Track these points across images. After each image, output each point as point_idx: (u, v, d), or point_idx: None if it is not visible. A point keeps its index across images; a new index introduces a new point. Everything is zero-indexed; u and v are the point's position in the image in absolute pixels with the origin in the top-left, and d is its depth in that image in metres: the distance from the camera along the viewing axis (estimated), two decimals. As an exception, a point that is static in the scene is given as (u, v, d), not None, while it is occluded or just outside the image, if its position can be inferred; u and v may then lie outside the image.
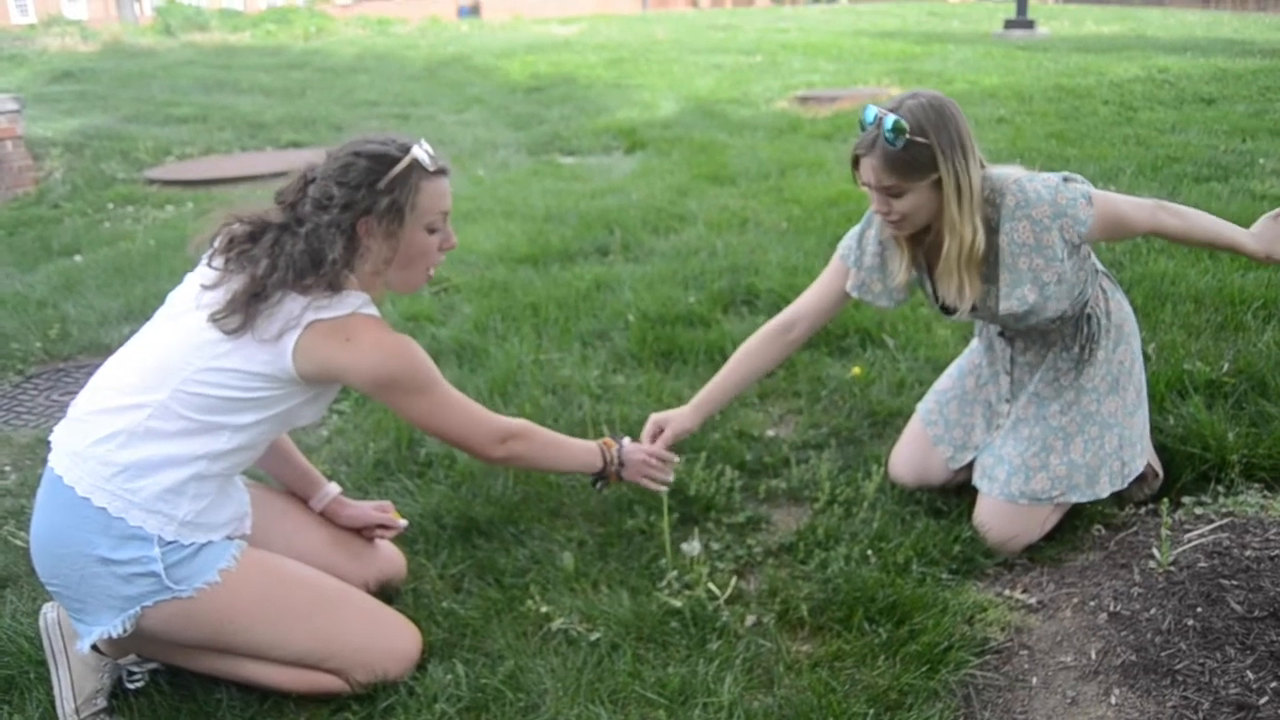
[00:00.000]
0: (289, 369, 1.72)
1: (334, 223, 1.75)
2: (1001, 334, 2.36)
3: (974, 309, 2.19)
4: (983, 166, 2.07)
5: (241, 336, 1.71)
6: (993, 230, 2.07)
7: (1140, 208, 2.12)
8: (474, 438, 1.95)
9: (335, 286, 1.76)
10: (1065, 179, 2.09)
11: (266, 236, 1.78)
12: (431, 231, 1.84)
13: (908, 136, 1.93)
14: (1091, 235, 2.06)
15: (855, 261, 2.28)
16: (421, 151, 1.80)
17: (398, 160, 1.77)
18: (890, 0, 28.65)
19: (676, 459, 2.27)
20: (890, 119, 1.94)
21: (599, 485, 2.23)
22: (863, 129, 2.01)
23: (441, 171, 1.84)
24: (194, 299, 1.77)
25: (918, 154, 1.96)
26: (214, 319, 1.71)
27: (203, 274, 1.80)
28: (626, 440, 2.24)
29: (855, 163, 2.05)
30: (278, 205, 1.83)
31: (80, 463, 1.69)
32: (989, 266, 2.11)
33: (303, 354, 1.72)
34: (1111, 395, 2.24)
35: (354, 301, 1.77)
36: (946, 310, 2.23)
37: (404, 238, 1.80)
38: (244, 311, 1.71)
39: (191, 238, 1.86)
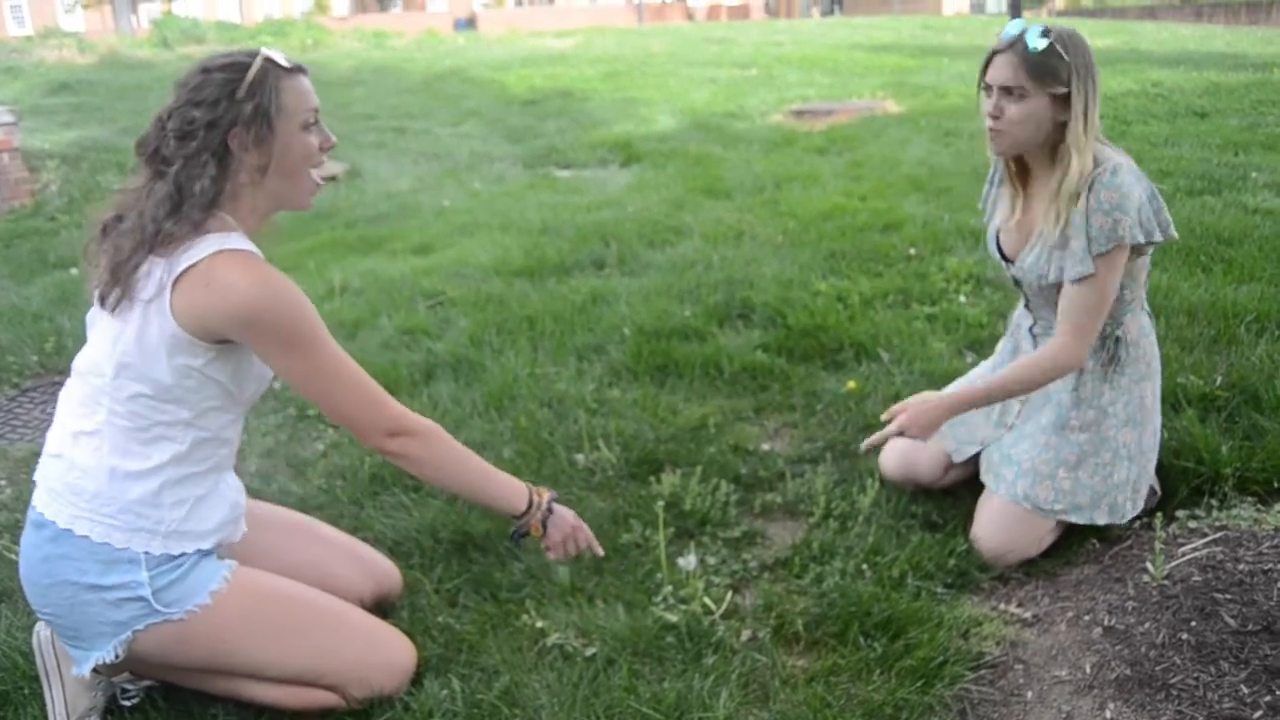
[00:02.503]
0: (180, 334, 1.63)
1: (202, 147, 1.64)
2: (1031, 329, 2.37)
3: (1013, 263, 2.26)
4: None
5: (130, 311, 1.63)
6: (1076, 198, 2.10)
7: (1093, 329, 2.15)
8: (360, 420, 1.74)
9: (199, 227, 1.64)
10: (1152, 193, 2.12)
11: (134, 205, 1.69)
12: (307, 130, 1.73)
13: (1052, 45, 2.02)
14: (1108, 259, 2.07)
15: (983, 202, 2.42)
16: (273, 52, 1.72)
17: (250, 64, 1.67)
18: (884, 14, 28.73)
19: (601, 552, 2.05)
20: (1039, 25, 2.03)
21: (517, 536, 1.95)
22: (1003, 38, 2.08)
23: (299, 69, 1.74)
24: (96, 309, 1.72)
25: (1055, 63, 2.03)
26: (100, 300, 1.66)
27: (90, 279, 1.74)
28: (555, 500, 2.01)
29: (987, 63, 2.10)
30: (139, 159, 1.71)
31: (55, 498, 1.69)
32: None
33: (180, 312, 1.61)
34: (1128, 427, 2.23)
35: (214, 241, 1.63)
36: (1005, 257, 2.30)
37: (278, 142, 1.68)
38: (118, 283, 1.64)
39: (82, 251, 1.79)
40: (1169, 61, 12.15)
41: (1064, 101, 2.05)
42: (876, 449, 2.34)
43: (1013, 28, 2.07)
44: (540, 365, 3.44)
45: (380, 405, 1.76)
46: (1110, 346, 2.24)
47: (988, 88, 2.11)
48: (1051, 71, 2.03)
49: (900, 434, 2.23)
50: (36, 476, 1.77)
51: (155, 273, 1.63)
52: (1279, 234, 4.24)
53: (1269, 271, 3.78)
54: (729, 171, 6.83)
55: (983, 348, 3.33)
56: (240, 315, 1.61)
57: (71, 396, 1.75)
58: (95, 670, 1.82)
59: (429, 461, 1.82)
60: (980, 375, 2.50)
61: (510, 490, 1.91)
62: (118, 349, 1.65)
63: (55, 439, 1.76)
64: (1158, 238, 2.10)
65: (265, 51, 1.70)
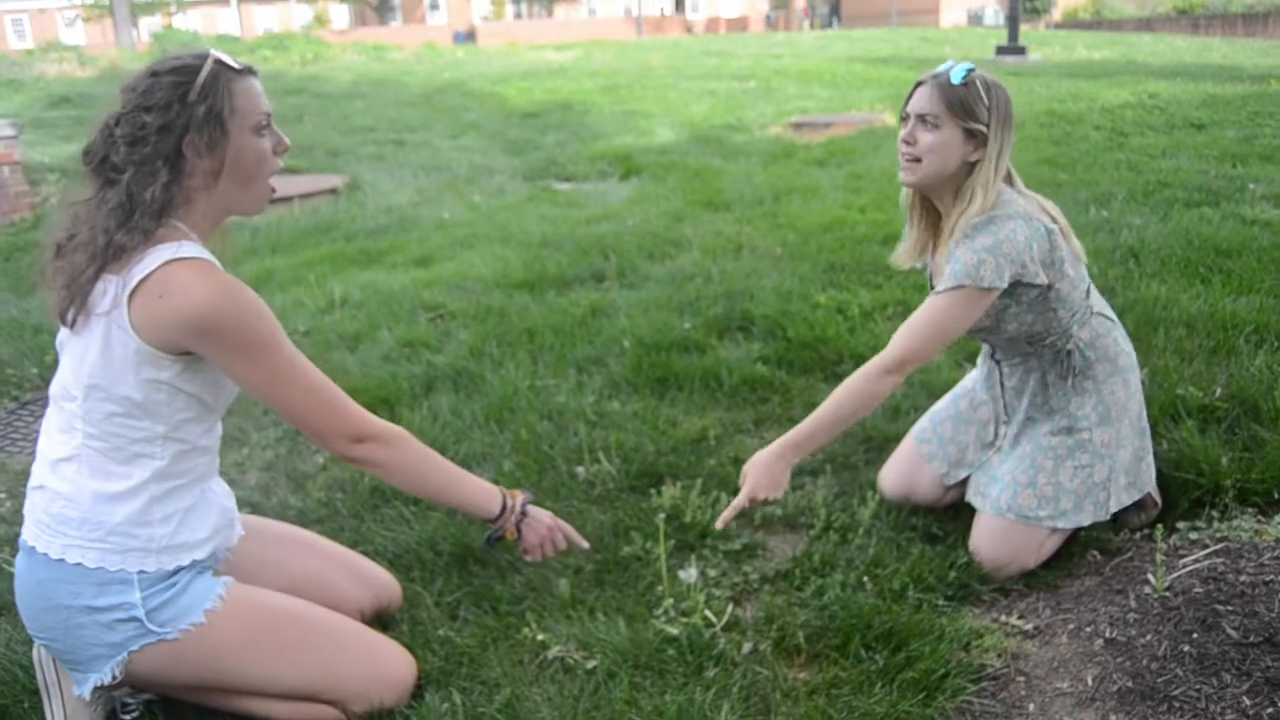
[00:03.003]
0: (143, 348, 1.60)
1: (155, 153, 1.61)
2: (993, 355, 2.40)
3: None
4: (1012, 183, 2.20)
5: (90, 328, 1.61)
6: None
7: (920, 354, 2.15)
8: (323, 426, 1.70)
9: (151, 236, 1.61)
10: (1049, 232, 2.12)
11: (86, 219, 1.65)
12: (259, 134, 1.70)
13: (974, 83, 2.09)
14: (956, 295, 2.09)
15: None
16: (221, 54, 1.69)
17: (200, 67, 1.64)
18: (883, 26, 28.83)
19: (585, 544, 2.05)
20: (965, 65, 2.11)
21: (491, 539, 1.94)
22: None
23: (249, 70, 1.71)
24: (61, 332, 1.71)
25: (972, 101, 2.09)
26: (60, 317, 1.64)
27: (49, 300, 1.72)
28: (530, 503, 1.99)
29: (911, 92, 2.16)
30: (88, 167, 1.66)
31: (44, 529, 1.69)
32: None
33: (139, 326, 1.58)
34: (1104, 426, 2.25)
35: (166, 251, 1.60)
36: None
37: (231, 146, 1.65)
38: (74, 299, 1.61)
39: (36, 274, 1.77)
40: (1166, 73, 12.20)
41: (978, 141, 2.10)
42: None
43: (943, 65, 2.14)
44: (540, 378, 3.44)
45: (342, 412, 1.72)
46: (1064, 360, 2.27)
47: (905, 116, 2.16)
48: (968, 107, 2.08)
49: (755, 500, 2.17)
50: (25, 509, 1.76)
51: (110, 289, 1.60)
52: (1277, 245, 4.25)
53: (1267, 283, 3.79)
54: (728, 184, 6.85)
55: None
56: (195, 322, 1.58)
57: (50, 425, 1.74)
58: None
59: (396, 467, 1.78)
60: (966, 393, 2.52)
61: (482, 494, 1.89)
62: (84, 369, 1.64)
63: (36, 471, 1.75)
64: (1039, 280, 2.09)
65: (214, 53, 1.67)
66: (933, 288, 2.29)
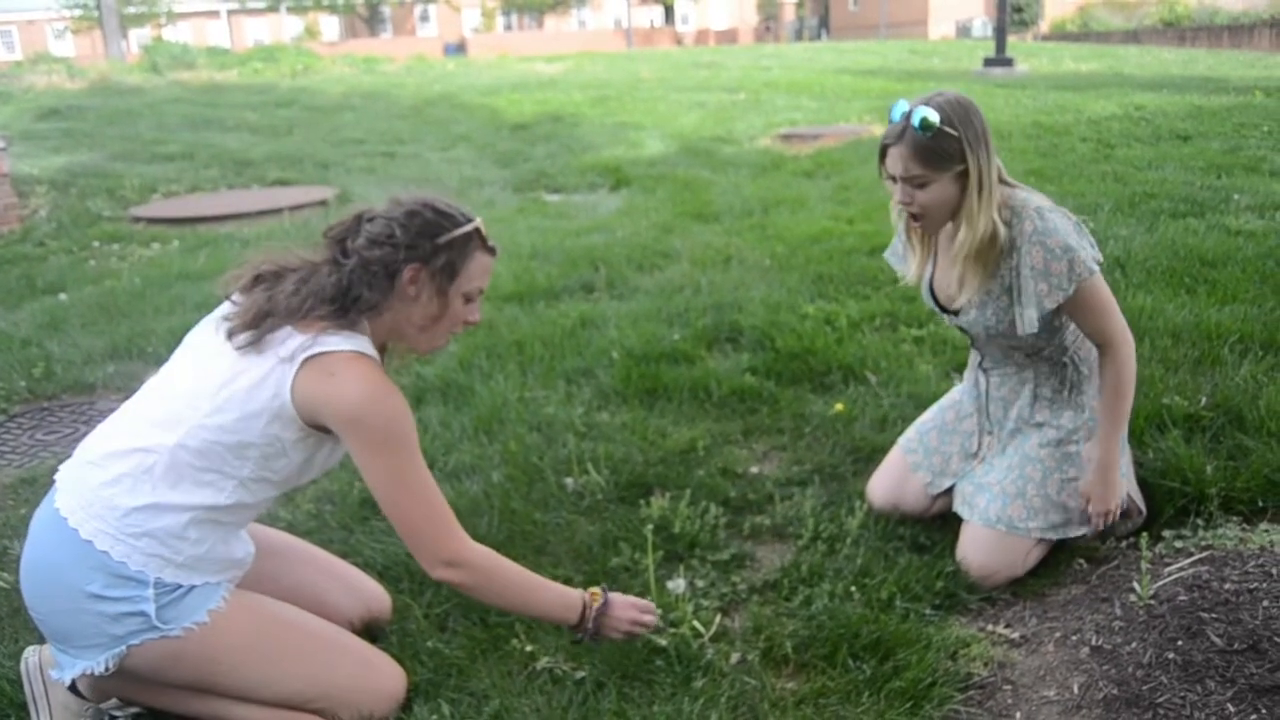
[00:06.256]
0: (287, 408, 1.70)
1: (384, 260, 1.75)
2: (981, 365, 2.40)
3: (957, 314, 2.27)
4: (1004, 182, 2.16)
5: (254, 358, 1.70)
6: (1010, 250, 2.13)
7: (1122, 324, 2.19)
8: (422, 539, 1.78)
9: (347, 325, 1.75)
10: (1079, 225, 2.16)
11: (300, 271, 1.78)
12: (467, 302, 1.85)
13: (938, 127, 2.00)
14: (1085, 288, 2.11)
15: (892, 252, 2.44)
16: (483, 226, 1.84)
17: (462, 224, 1.80)
18: (871, 38, 28.97)
19: (656, 613, 2.03)
20: (921, 110, 2.01)
21: (576, 643, 1.98)
22: (891, 123, 2.08)
23: (494, 251, 1.87)
24: (211, 335, 1.78)
25: (946, 145, 2.03)
26: (229, 331, 1.73)
27: (224, 309, 1.80)
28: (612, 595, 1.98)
29: (883, 155, 2.11)
30: (324, 239, 1.82)
31: (85, 505, 1.69)
32: (998, 283, 2.17)
33: (299, 390, 1.69)
34: (1093, 440, 2.27)
35: (357, 342, 1.74)
36: (943, 310, 2.32)
37: (441, 298, 1.80)
38: (255, 328, 1.71)
39: (221, 280, 1.86)
40: (1152, 85, 12.29)
41: (965, 175, 2.07)
42: None
43: (895, 112, 2.07)
44: (529, 389, 3.45)
45: (444, 535, 1.80)
46: (1059, 372, 2.30)
47: (891, 178, 2.13)
48: (944, 156, 2.04)
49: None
50: (63, 478, 1.77)
51: (292, 342, 1.70)
52: (1261, 255, 4.29)
53: (1252, 292, 3.82)
54: (717, 196, 6.87)
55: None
56: (348, 413, 1.69)
57: (143, 413, 1.76)
58: (82, 694, 1.82)
59: (480, 591, 1.87)
60: (952, 404, 2.53)
61: (562, 605, 1.92)
62: (224, 392, 1.70)
63: (101, 447, 1.75)
64: (1099, 259, 2.15)
65: (479, 222, 1.84)
66: (940, 308, 2.32)
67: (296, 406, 1.70)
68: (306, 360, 1.69)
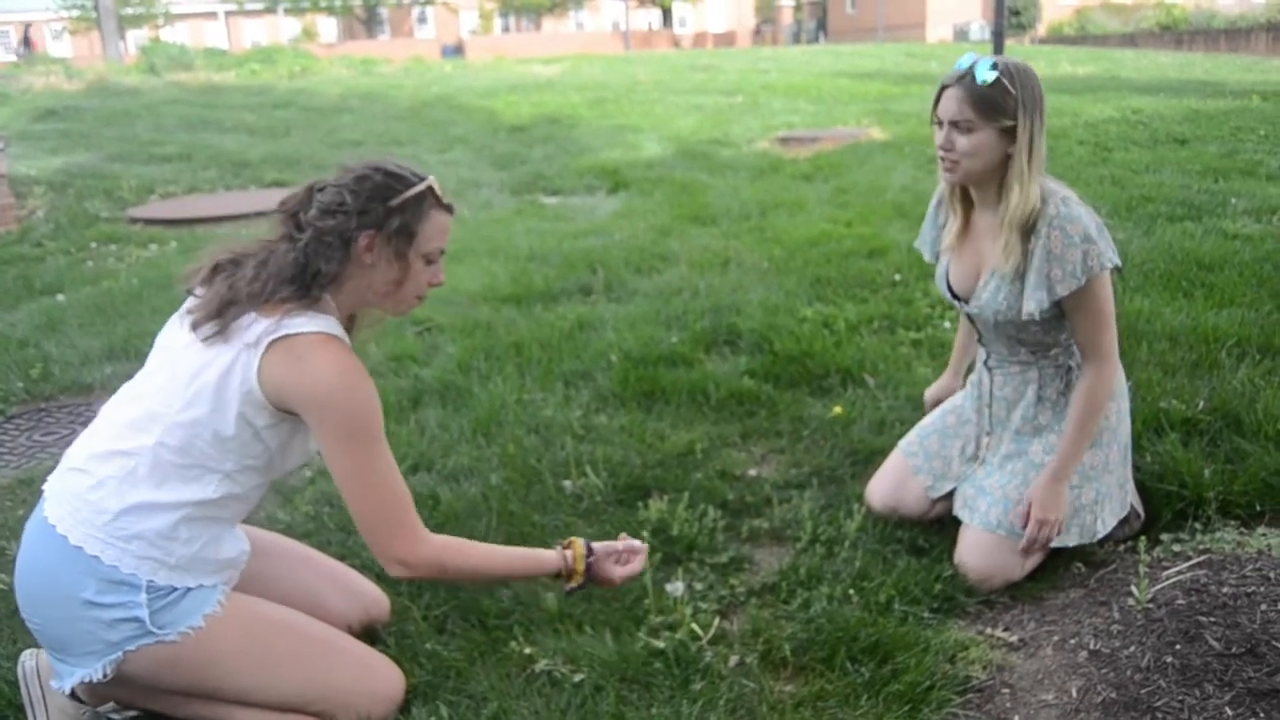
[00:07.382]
0: (255, 392, 1.68)
1: (339, 230, 1.73)
2: (986, 363, 2.41)
3: (967, 301, 2.29)
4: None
5: (221, 348, 1.69)
6: (1029, 231, 2.14)
7: (1114, 343, 2.20)
8: (378, 533, 1.77)
9: (311, 303, 1.73)
10: (1101, 226, 2.17)
11: (258, 254, 1.77)
12: (429, 263, 1.83)
13: (999, 79, 2.05)
14: (1095, 283, 2.12)
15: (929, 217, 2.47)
16: (437, 184, 1.82)
17: (414, 183, 1.78)
18: (869, 42, 28.99)
19: (643, 549, 2.07)
20: (987, 59, 2.06)
21: (569, 592, 2.01)
22: (956, 69, 2.12)
23: (450, 209, 1.85)
24: (178, 331, 1.77)
25: (1001, 98, 2.06)
26: (194, 324, 1.71)
27: (187, 304, 1.80)
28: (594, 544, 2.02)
29: (939, 97, 2.14)
30: (280, 213, 1.80)
31: (72, 511, 1.69)
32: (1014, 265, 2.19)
33: (266, 375, 1.67)
34: (1094, 449, 2.27)
35: (322, 322, 1.72)
36: (955, 296, 2.33)
37: (401, 263, 1.78)
38: (219, 317, 1.70)
39: (180, 276, 1.85)
40: (1149, 89, 12.30)
41: (1012, 134, 2.09)
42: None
43: (964, 61, 2.12)
44: (527, 392, 3.45)
45: (397, 534, 1.77)
46: (1063, 374, 2.30)
47: (939, 122, 2.15)
48: (998, 106, 2.07)
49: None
50: (50, 486, 1.76)
51: (257, 327, 1.69)
52: (1259, 259, 4.30)
53: (1249, 296, 3.83)
54: (715, 198, 6.88)
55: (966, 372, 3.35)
56: (316, 397, 1.68)
57: (117, 416, 1.76)
58: (79, 698, 1.81)
59: (437, 578, 1.89)
60: (954, 408, 2.53)
61: (536, 567, 1.95)
62: (195, 384, 1.69)
63: (83, 453, 1.75)
64: (1117, 261, 2.14)
65: (432, 180, 1.81)
66: (953, 294, 2.34)
67: (264, 391, 1.68)
68: (272, 344, 1.67)
